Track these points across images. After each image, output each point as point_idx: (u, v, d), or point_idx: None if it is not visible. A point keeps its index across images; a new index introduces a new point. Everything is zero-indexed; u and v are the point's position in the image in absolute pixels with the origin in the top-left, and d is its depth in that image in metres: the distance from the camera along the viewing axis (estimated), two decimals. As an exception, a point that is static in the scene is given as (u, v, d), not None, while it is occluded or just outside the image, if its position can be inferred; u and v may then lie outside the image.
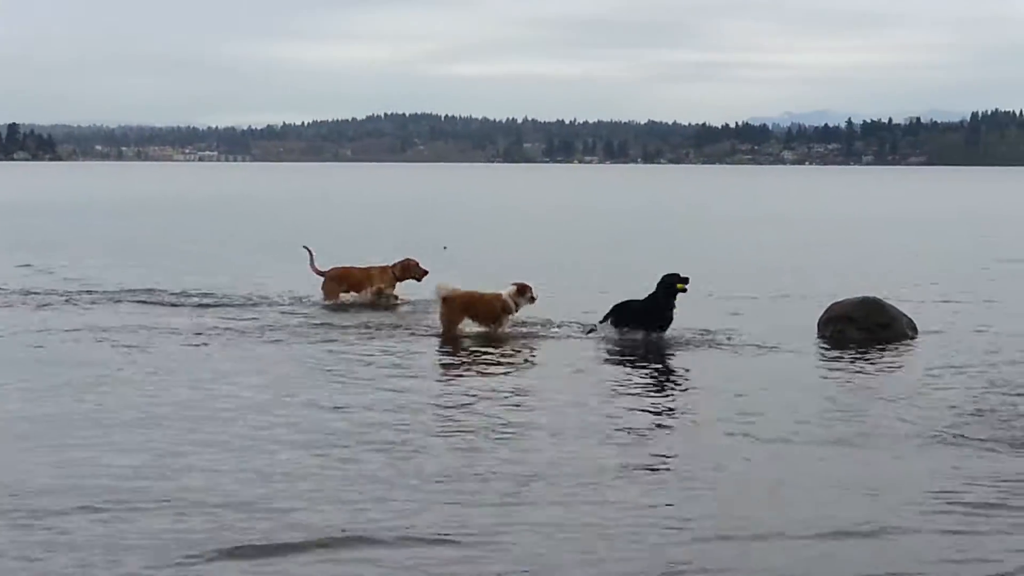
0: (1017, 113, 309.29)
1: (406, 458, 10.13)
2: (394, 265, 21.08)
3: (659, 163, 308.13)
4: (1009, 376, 13.98)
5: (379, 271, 20.99)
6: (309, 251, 21.44)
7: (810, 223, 49.57)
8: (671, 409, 12.53)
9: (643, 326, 16.75)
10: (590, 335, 16.90)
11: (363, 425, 11.34)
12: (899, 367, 14.95)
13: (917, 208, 66.84)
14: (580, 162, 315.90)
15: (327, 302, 20.51)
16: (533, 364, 15.40)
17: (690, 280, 16.94)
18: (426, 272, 21.02)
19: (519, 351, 16.08)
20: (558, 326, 17.60)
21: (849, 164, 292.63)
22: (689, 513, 8.72)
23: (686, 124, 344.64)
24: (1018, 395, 12.85)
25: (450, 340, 16.82)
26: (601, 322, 16.99)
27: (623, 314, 16.91)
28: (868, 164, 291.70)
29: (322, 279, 20.92)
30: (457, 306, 17.13)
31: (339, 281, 20.82)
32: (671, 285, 16.88)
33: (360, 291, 20.72)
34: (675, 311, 16.89)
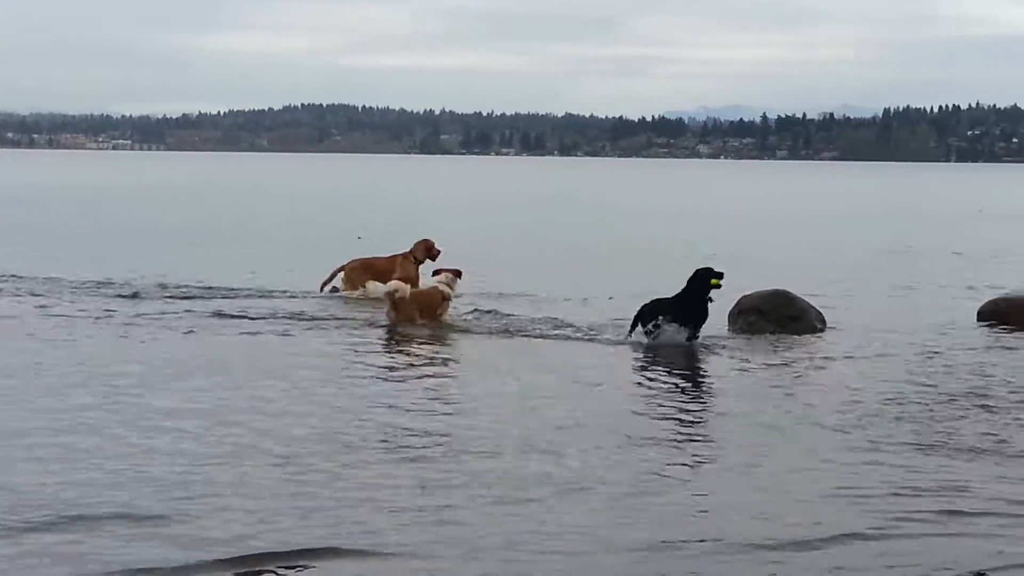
0: (928, 110, 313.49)
1: (303, 471, 9.93)
2: (414, 249, 20.45)
3: (576, 156, 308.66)
4: (915, 367, 14.16)
5: (403, 259, 20.26)
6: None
7: (722, 217, 49.93)
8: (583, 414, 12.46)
9: (679, 320, 15.73)
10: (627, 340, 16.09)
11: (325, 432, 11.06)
12: (806, 359, 15.01)
13: (828, 202, 67.58)
14: (497, 154, 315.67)
15: (351, 294, 19.86)
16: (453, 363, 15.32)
17: (724, 276, 15.97)
18: (440, 252, 20.44)
19: (439, 351, 16.00)
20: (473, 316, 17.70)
21: (763, 158, 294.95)
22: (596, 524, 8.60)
23: (603, 117, 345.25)
24: (926, 387, 13.02)
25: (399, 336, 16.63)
26: (632, 330, 16.08)
27: (655, 311, 15.93)
28: (782, 158, 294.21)
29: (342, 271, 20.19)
30: (405, 304, 17.05)
31: (362, 271, 20.21)
32: (705, 279, 15.97)
33: (387, 280, 19.05)
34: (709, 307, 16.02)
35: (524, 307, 18.88)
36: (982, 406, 12.03)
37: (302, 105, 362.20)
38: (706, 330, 16.24)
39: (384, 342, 16.02)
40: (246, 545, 7.67)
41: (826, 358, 14.98)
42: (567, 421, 11.21)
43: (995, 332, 17.18)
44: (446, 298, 17.41)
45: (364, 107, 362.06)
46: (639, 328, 15.96)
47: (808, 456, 10.15)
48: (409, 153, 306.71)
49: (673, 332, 15.75)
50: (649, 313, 15.89)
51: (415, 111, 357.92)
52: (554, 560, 7.55)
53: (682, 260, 25.80)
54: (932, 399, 12.31)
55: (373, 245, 24.87)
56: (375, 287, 19.30)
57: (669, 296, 16.21)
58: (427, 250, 20.39)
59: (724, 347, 15.75)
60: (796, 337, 16.42)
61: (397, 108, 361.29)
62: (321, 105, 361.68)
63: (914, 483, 9.27)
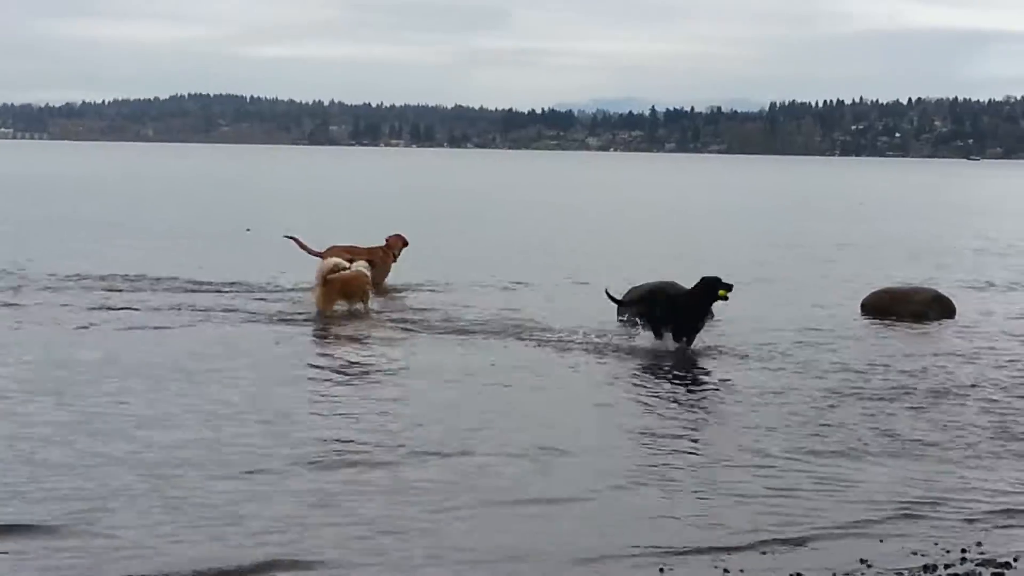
0: (813, 104, 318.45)
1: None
2: (391, 243, 20.67)
3: (466, 147, 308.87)
4: (803, 357, 14.38)
5: (382, 250, 20.45)
6: (295, 239, 20.37)
7: (612, 208, 50.23)
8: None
9: (672, 323, 14.88)
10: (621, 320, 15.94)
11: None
12: (694, 354, 15.14)
13: (718, 195, 68.34)
14: (387, 145, 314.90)
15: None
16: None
17: (733, 288, 15.17)
18: (407, 243, 20.85)
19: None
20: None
21: (652, 151, 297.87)
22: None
23: (493, 109, 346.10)
24: (816, 377, 13.26)
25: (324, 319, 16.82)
26: (624, 306, 15.95)
27: (654, 305, 15.20)
28: (670, 151, 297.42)
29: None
30: (336, 288, 17.14)
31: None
32: (712, 288, 15.00)
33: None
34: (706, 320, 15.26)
35: (428, 300, 18.90)
36: (868, 397, 12.29)
37: (189, 95, 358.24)
38: (591, 323, 16.37)
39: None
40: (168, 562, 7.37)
41: (715, 350, 15.12)
42: (484, 424, 11.02)
43: (877, 323, 17.55)
44: (369, 284, 17.56)
45: (252, 97, 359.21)
46: (632, 309, 15.69)
47: (696, 457, 10.29)
48: (298, 144, 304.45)
49: (652, 332, 15.07)
50: (648, 305, 15.33)
51: (304, 102, 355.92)
52: (480, 570, 7.46)
53: (578, 255, 25.98)
54: (818, 394, 12.51)
55: (263, 237, 24.64)
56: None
57: (674, 290, 15.90)
58: (403, 244, 20.74)
59: (607, 340, 15.68)
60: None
61: (286, 99, 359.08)
62: (208, 95, 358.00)
63: (797, 485, 9.42)
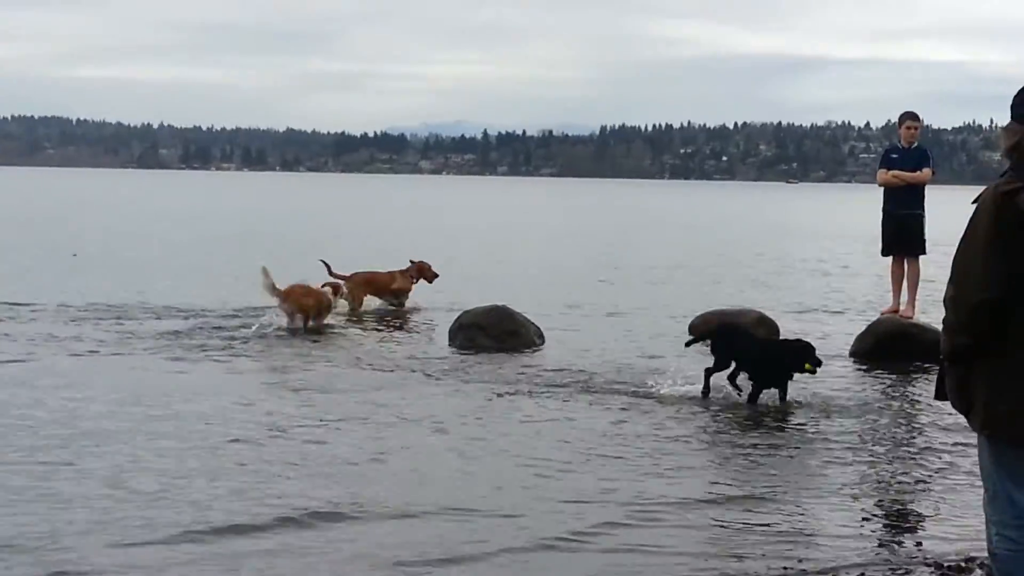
0: (643, 128, 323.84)
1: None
2: (409, 268, 21.66)
3: (298, 171, 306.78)
4: (626, 379, 14.61)
5: (400, 274, 21.48)
6: (326, 264, 20.87)
7: (442, 232, 50.33)
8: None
9: (753, 373, 13.47)
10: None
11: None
12: (526, 374, 15.25)
13: (550, 218, 68.90)
14: (218, 169, 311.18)
15: (356, 307, 20.62)
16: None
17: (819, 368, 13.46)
18: (437, 275, 22.05)
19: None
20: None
21: (485, 174, 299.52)
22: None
23: (325, 133, 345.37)
24: (642, 399, 13.49)
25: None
26: (699, 341, 14.99)
27: (731, 346, 13.72)
28: (503, 174, 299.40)
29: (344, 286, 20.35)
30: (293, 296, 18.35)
31: (365, 286, 21.00)
32: (802, 356, 13.29)
33: (384, 295, 21.28)
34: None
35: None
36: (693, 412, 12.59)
37: (11, 117, 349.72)
38: (435, 350, 16.64)
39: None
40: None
41: (543, 371, 15.28)
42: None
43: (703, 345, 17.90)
44: (329, 304, 18.69)
45: (79, 120, 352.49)
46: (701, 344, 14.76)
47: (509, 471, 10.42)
48: (127, 167, 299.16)
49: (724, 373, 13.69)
50: (723, 340, 13.89)
51: (132, 124, 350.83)
52: None
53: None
54: (643, 410, 12.77)
55: (93, 261, 24.18)
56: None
57: (759, 339, 14.78)
58: (422, 271, 21.76)
59: (446, 365, 15.80)
60: (515, 353, 16.69)
61: (114, 121, 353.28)
62: (32, 117, 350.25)
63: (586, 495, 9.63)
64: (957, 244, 5.68)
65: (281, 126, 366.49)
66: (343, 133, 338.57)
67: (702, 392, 13.57)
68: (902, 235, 17.66)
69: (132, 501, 8.99)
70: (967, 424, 5.91)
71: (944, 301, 5.75)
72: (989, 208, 5.60)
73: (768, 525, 8.80)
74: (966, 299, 5.60)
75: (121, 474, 9.75)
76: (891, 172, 17.72)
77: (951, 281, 5.69)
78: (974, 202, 5.74)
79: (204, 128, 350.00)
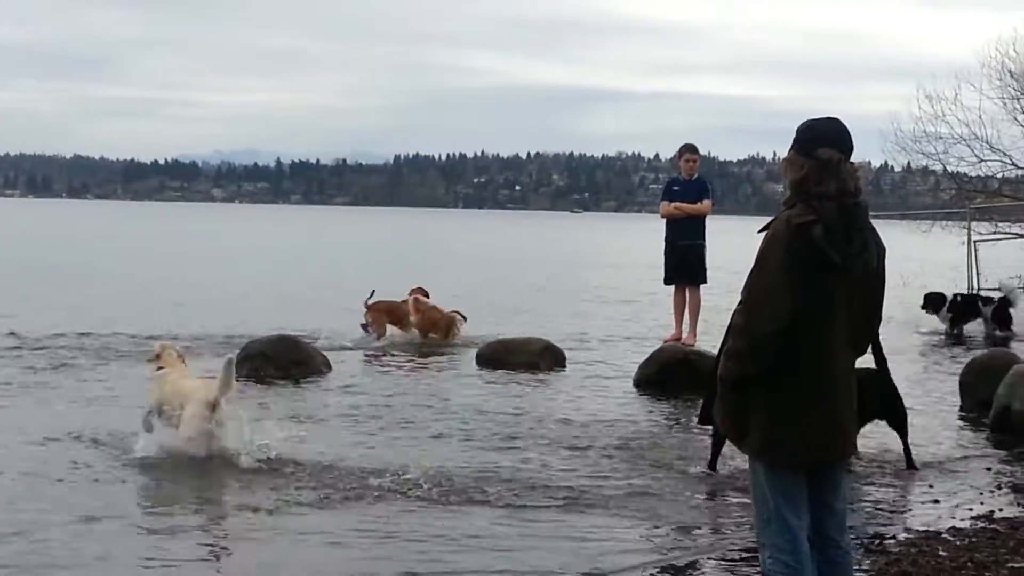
0: (436, 157, 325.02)
1: None
2: (414, 297, 21.91)
3: (86, 198, 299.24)
4: (416, 414, 14.63)
5: (412, 304, 21.75)
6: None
7: (226, 259, 49.74)
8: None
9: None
10: None
11: None
12: (303, 403, 15.16)
13: (327, 245, 68.72)
14: (1, 196, 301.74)
15: (378, 336, 21.09)
16: None
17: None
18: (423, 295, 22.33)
19: None
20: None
21: (278, 203, 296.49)
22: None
23: (114, 159, 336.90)
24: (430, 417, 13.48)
25: None
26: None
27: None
28: (296, 203, 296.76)
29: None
30: None
31: (386, 315, 21.47)
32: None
33: (402, 325, 21.51)
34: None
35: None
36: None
37: None
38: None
39: None
40: None
41: (328, 392, 15.49)
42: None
43: (491, 373, 18.09)
44: None
45: None
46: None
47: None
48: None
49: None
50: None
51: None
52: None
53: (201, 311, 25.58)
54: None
55: None
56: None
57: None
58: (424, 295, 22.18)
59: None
60: (306, 381, 16.68)
61: None
62: None
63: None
64: (748, 273, 5.70)
65: (68, 152, 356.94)
66: (132, 160, 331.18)
67: None
68: (683, 264, 18.01)
69: None
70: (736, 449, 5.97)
71: (730, 328, 5.78)
72: (782, 239, 5.64)
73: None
74: (758, 328, 5.63)
75: None
76: (673, 204, 18.11)
77: (742, 310, 5.71)
78: (761, 231, 5.79)
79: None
